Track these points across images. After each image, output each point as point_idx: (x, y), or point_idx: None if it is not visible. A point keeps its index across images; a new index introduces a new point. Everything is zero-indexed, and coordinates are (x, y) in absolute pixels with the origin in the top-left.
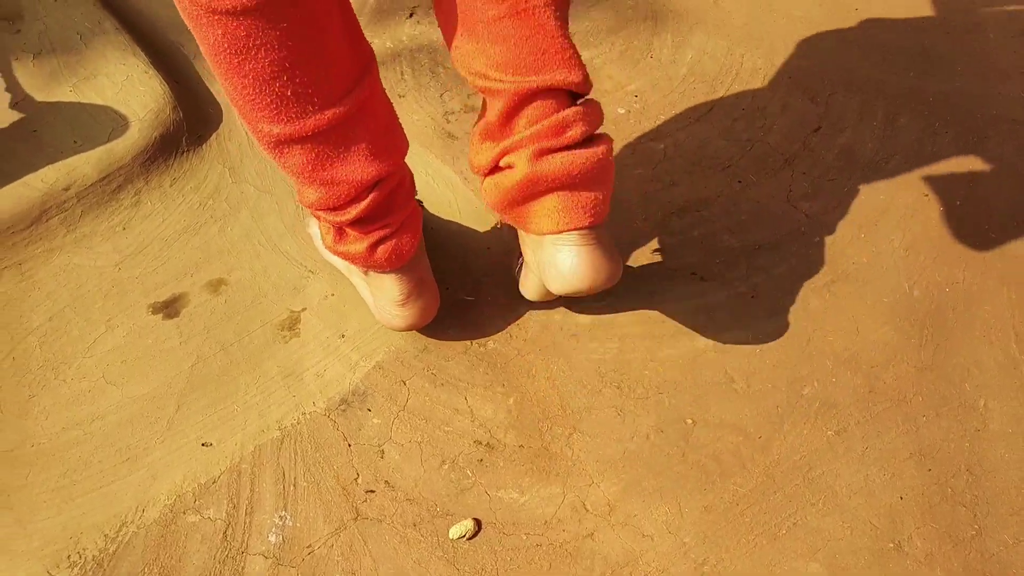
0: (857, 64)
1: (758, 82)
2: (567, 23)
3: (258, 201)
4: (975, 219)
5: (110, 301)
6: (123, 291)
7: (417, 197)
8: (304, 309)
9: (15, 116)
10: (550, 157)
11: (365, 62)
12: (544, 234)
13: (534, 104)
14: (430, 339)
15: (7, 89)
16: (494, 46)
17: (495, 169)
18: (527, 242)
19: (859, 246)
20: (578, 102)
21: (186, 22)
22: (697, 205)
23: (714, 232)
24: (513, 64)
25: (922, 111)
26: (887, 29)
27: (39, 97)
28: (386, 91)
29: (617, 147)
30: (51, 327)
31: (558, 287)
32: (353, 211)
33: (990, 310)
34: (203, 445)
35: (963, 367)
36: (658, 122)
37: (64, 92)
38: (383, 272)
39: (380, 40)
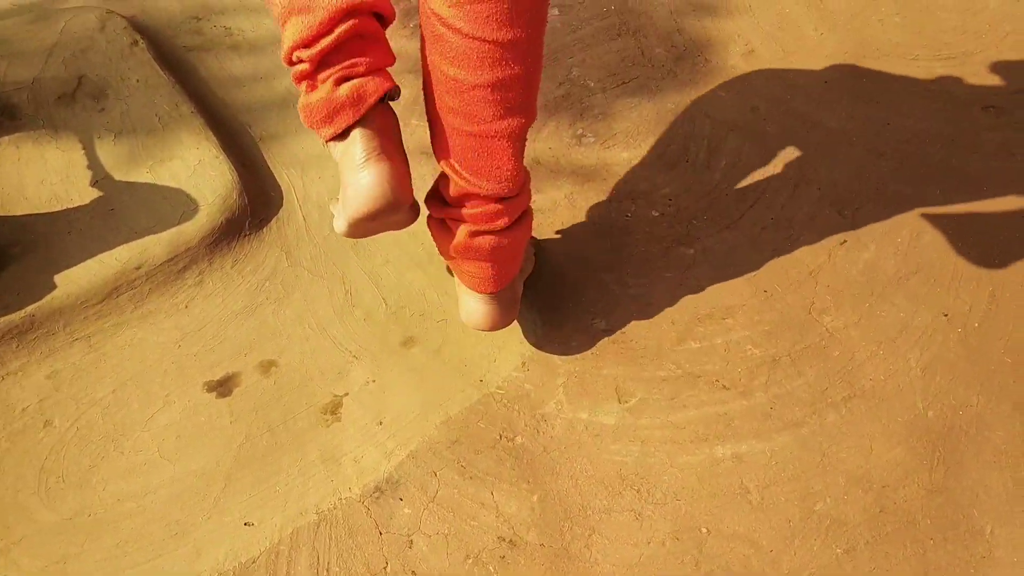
0: (887, 178)
1: (788, 191)
2: (519, 144)
3: (311, 285)
4: (993, 343)
5: (169, 377)
6: (182, 367)
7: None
8: (346, 394)
9: (95, 194)
10: (481, 237)
11: None
12: (462, 288)
13: (477, 197)
14: (461, 431)
15: (89, 167)
16: (459, 151)
17: (441, 221)
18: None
19: (877, 363)
20: (508, 199)
21: None
22: (722, 312)
23: (737, 341)
24: (469, 169)
25: (947, 229)
26: (919, 144)
27: (118, 176)
28: None
29: (649, 249)
30: (114, 399)
31: (465, 322)
32: (324, 42)
33: (1002, 436)
34: (245, 524)
35: (972, 491)
36: (689, 227)
37: (141, 173)
38: (348, 128)
39: None
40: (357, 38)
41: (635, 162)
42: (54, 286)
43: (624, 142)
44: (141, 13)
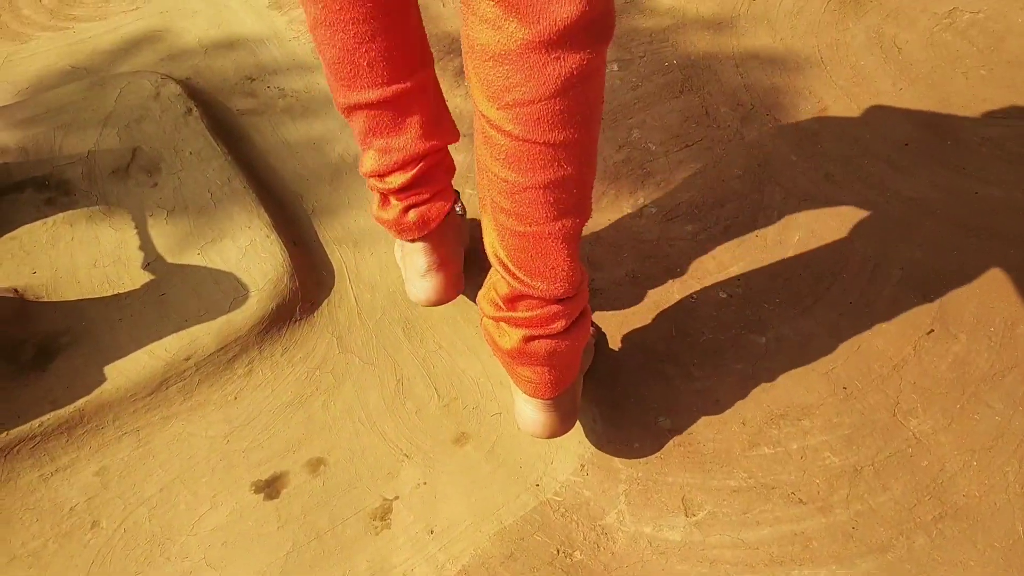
0: (975, 257)
1: (867, 272)
2: (574, 243)
3: (362, 373)
4: None
5: (217, 475)
6: (230, 465)
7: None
8: (396, 498)
9: (147, 278)
10: (537, 342)
11: (428, 56)
12: (518, 392)
13: (531, 298)
14: (516, 544)
15: (141, 247)
16: (511, 251)
17: (494, 322)
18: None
19: (971, 476)
20: (564, 299)
21: (304, 8)
22: (797, 412)
23: (814, 447)
24: (522, 267)
25: None
26: (1010, 217)
27: (169, 259)
28: None
29: (716, 337)
30: (161, 498)
31: (522, 428)
32: (397, 180)
33: None
34: None
35: None
36: (760, 311)
37: (192, 255)
38: (412, 240)
39: None
40: (425, 171)
41: (701, 236)
42: (104, 379)
43: (688, 213)
44: (195, 75)
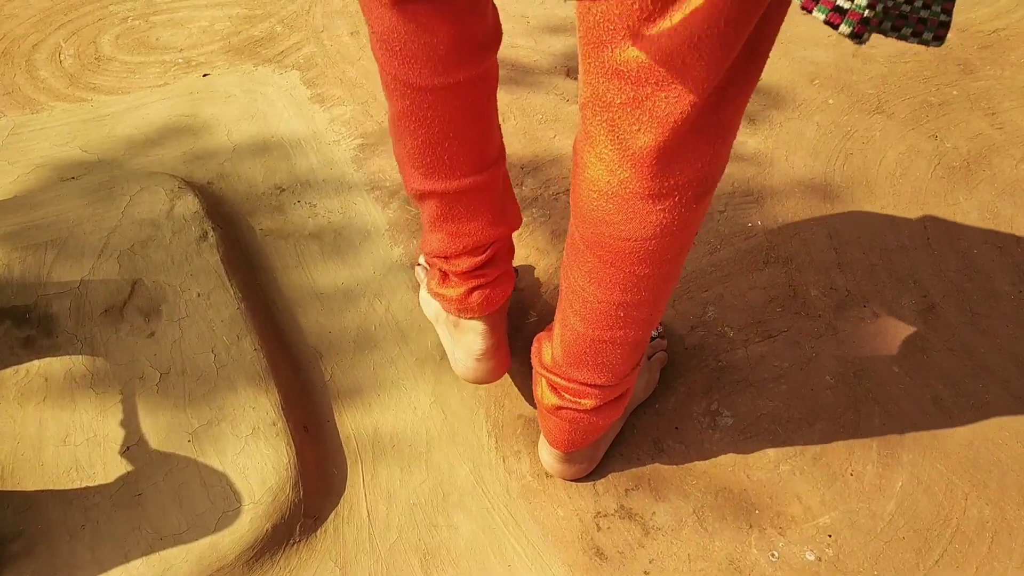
0: None
1: (986, 538)
2: (638, 349)
3: None
4: None
5: None
6: None
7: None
8: None
9: (123, 468)
10: (565, 410)
11: (502, 151)
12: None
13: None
14: None
15: (123, 423)
16: (569, 344)
17: (538, 375)
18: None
19: None
20: (601, 387)
21: (383, 89)
22: None
23: None
24: (570, 361)
25: None
26: None
27: (154, 443)
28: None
29: None
30: None
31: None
32: (464, 263)
33: None
34: None
35: None
36: None
37: (181, 442)
38: (472, 318)
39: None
40: (492, 255)
41: (784, 467)
42: None
43: (770, 431)
44: (218, 179)
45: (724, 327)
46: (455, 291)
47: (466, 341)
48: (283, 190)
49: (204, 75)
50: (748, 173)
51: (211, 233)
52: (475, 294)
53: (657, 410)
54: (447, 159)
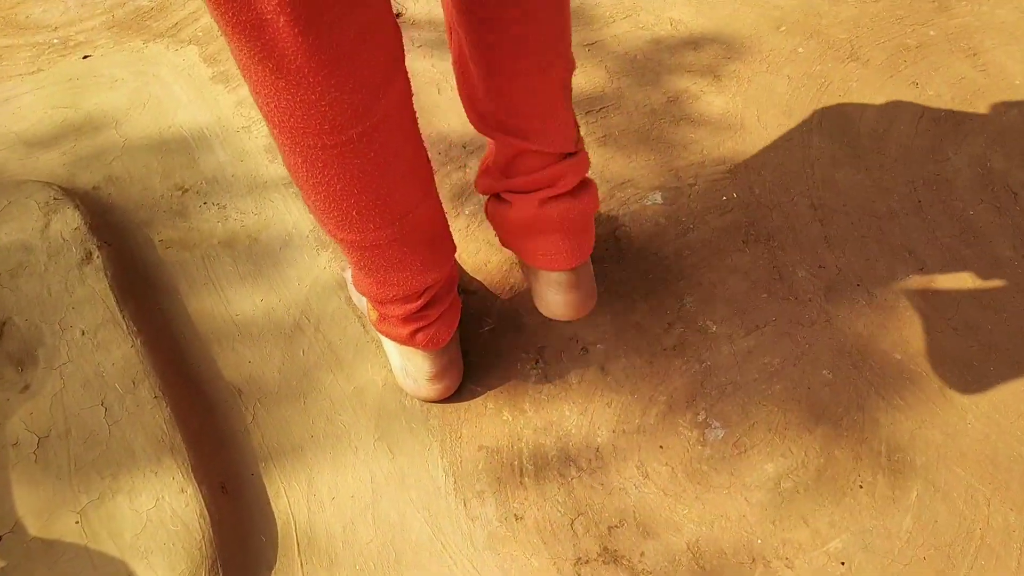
0: None
1: (1013, 554)
2: (569, 91)
3: None
4: None
5: None
6: None
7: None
8: None
9: None
10: (550, 205)
11: (425, 188)
12: (538, 268)
13: (533, 157)
14: None
15: None
16: (508, 112)
17: (499, 200)
18: (525, 267)
19: None
20: (569, 156)
21: (278, 149)
22: None
23: None
24: (519, 130)
25: None
26: None
27: (33, 528)
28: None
29: None
30: None
31: (545, 314)
32: (398, 310)
33: None
34: None
35: None
36: None
37: (68, 525)
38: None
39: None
40: (428, 299)
41: (785, 484)
42: None
43: (766, 441)
44: (107, 182)
45: (705, 321)
46: (396, 331)
47: (415, 362)
48: (185, 191)
49: (84, 57)
50: (717, 138)
51: (96, 253)
52: (419, 335)
53: (638, 427)
54: (356, 215)
